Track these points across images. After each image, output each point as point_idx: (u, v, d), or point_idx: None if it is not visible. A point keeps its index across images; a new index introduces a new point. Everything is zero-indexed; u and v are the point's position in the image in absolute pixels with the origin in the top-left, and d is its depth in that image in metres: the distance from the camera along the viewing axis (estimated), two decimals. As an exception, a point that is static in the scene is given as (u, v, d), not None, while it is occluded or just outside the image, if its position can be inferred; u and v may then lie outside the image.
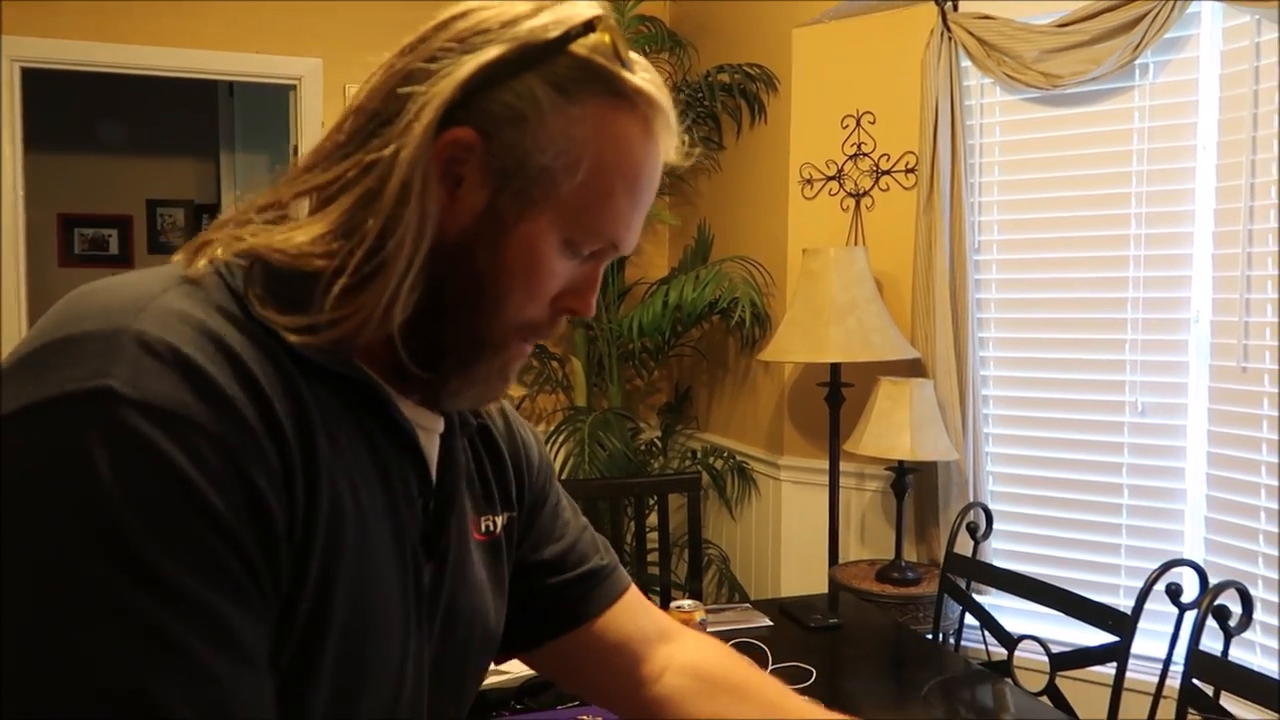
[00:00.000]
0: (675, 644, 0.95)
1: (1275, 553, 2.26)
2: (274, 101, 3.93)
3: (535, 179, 0.66)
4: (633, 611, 0.94)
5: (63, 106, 5.13)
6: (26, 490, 0.51)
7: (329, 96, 3.55)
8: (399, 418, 0.70)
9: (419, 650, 0.71)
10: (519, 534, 0.88)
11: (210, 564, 0.53)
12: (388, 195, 0.63)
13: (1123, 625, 1.81)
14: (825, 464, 2.87)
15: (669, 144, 0.71)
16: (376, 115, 0.66)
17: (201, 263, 0.63)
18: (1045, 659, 1.99)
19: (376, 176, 0.64)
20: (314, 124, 3.54)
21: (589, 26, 0.66)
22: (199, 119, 5.27)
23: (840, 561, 2.89)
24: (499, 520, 0.83)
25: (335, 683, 0.62)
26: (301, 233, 0.64)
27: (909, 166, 2.91)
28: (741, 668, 0.97)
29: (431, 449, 0.74)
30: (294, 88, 3.57)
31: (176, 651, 0.50)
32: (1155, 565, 2.52)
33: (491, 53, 0.65)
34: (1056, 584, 2.06)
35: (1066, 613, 1.94)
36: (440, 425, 0.76)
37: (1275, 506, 2.27)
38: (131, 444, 0.52)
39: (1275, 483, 2.27)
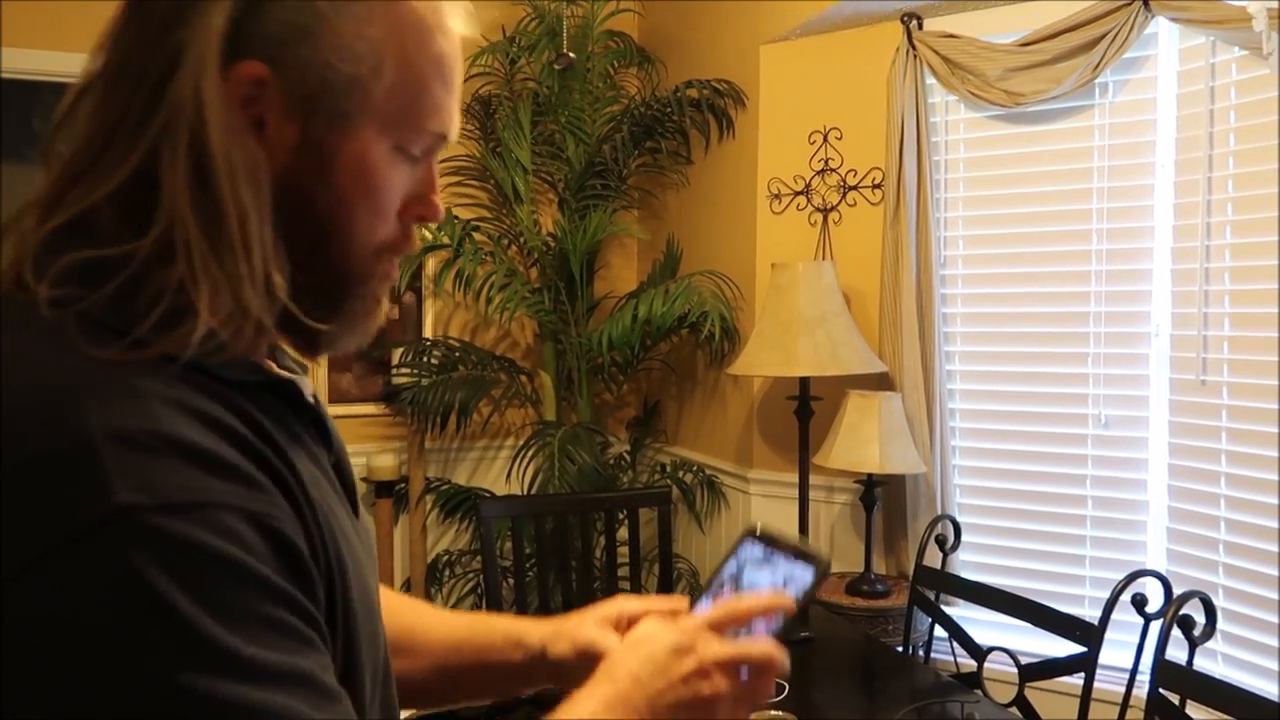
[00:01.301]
0: None
1: (1235, 562, 2.30)
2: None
3: (343, 93, 0.61)
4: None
5: (42, 118, 5.04)
6: (100, 643, 0.48)
7: (295, 109, 3.51)
8: (306, 399, 0.68)
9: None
10: None
11: (284, 633, 0.54)
12: (214, 178, 0.57)
13: (1090, 636, 1.83)
14: (795, 477, 2.88)
15: (459, 16, 0.67)
16: (142, 78, 0.58)
17: (44, 300, 0.56)
18: (1014, 670, 2.01)
19: (187, 161, 0.57)
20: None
21: None
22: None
23: (810, 574, 2.89)
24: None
25: (371, 668, 0.65)
26: (131, 243, 0.57)
27: (875, 182, 2.94)
28: (401, 619, 0.92)
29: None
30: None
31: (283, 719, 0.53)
32: (1119, 575, 2.55)
33: None
34: (1023, 595, 2.09)
35: (1035, 624, 1.96)
36: (309, 384, 0.73)
37: (1234, 517, 2.31)
38: (177, 550, 0.50)
39: (1234, 493, 2.32)
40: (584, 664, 0.82)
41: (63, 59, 3.28)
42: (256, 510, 0.54)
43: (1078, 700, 1.85)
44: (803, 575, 0.78)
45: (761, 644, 0.74)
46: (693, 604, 0.83)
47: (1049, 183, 2.70)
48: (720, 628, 0.76)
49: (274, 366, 0.68)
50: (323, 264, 0.64)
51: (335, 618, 0.61)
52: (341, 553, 0.63)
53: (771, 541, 0.81)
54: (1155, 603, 1.94)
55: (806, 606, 0.78)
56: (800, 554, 0.80)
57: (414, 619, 0.92)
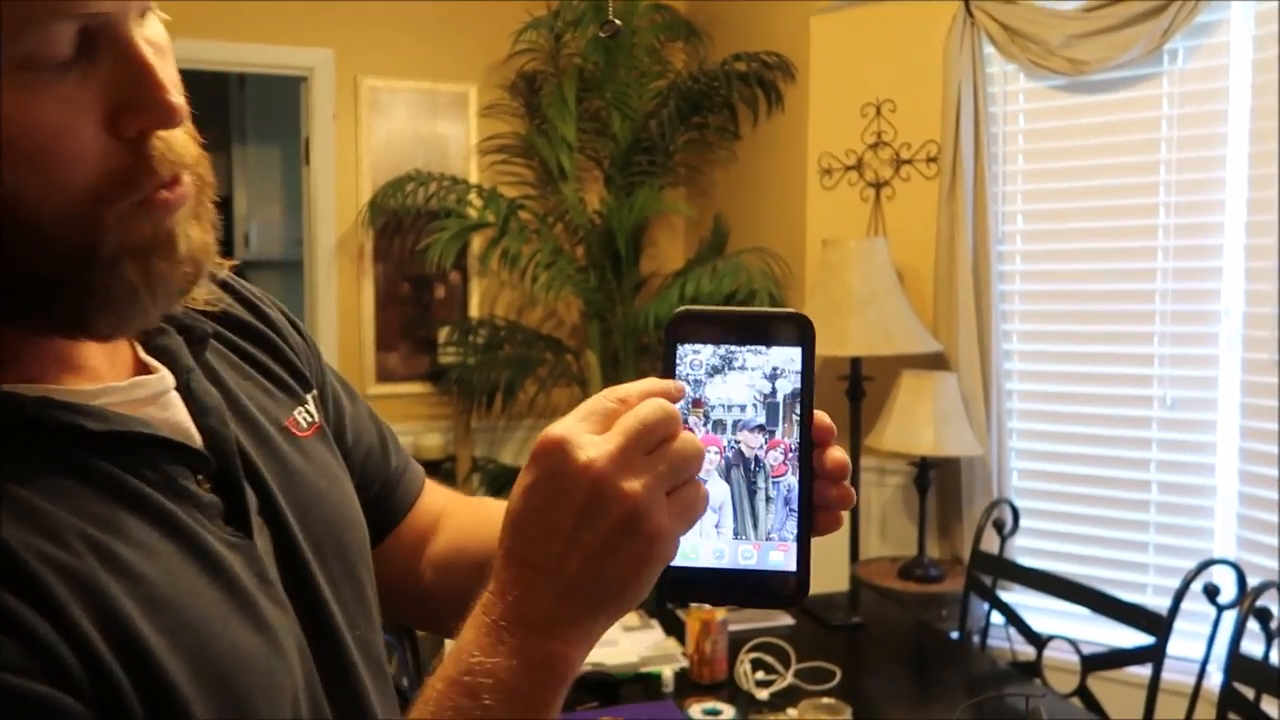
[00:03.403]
0: (437, 533, 0.82)
1: (1310, 550, 2.21)
2: (285, 93, 3.88)
3: None
4: (425, 509, 0.81)
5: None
6: None
7: (341, 88, 3.51)
8: (92, 414, 0.51)
9: (296, 630, 0.57)
10: None
11: None
12: None
13: (1158, 627, 1.76)
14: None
15: None
16: None
17: None
18: (1075, 658, 1.94)
19: None
20: (325, 116, 3.50)
21: None
22: (210, 112, 5.22)
23: (861, 558, 2.84)
24: (310, 402, 0.67)
25: None
26: None
27: (930, 156, 2.86)
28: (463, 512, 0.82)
29: (169, 408, 0.56)
30: (305, 79, 3.52)
31: None
32: (1184, 563, 2.47)
33: None
34: (1083, 582, 2.02)
35: (1099, 613, 1.89)
36: (166, 376, 0.58)
37: (1310, 503, 2.22)
38: None
39: (1310, 479, 2.22)
40: None
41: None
42: None
43: (1142, 690, 1.78)
44: (785, 356, 0.54)
45: (647, 405, 0.50)
46: None
47: (1114, 155, 2.60)
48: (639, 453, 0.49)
49: (52, 388, 0.52)
50: (36, 251, 0.47)
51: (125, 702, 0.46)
52: (147, 646, 0.48)
53: (712, 324, 0.55)
54: (1228, 593, 1.86)
55: (810, 399, 0.54)
56: (763, 327, 0.54)
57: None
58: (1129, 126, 2.57)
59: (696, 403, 0.55)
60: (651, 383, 0.53)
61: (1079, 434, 2.68)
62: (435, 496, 0.83)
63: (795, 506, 0.54)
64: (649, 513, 0.48)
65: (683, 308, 0.55)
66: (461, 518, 0.81)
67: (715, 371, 0.55)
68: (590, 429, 0.50)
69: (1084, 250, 2.66)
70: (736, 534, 0.54)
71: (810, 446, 0.54)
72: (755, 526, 0.54)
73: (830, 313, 2.66)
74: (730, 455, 0.54)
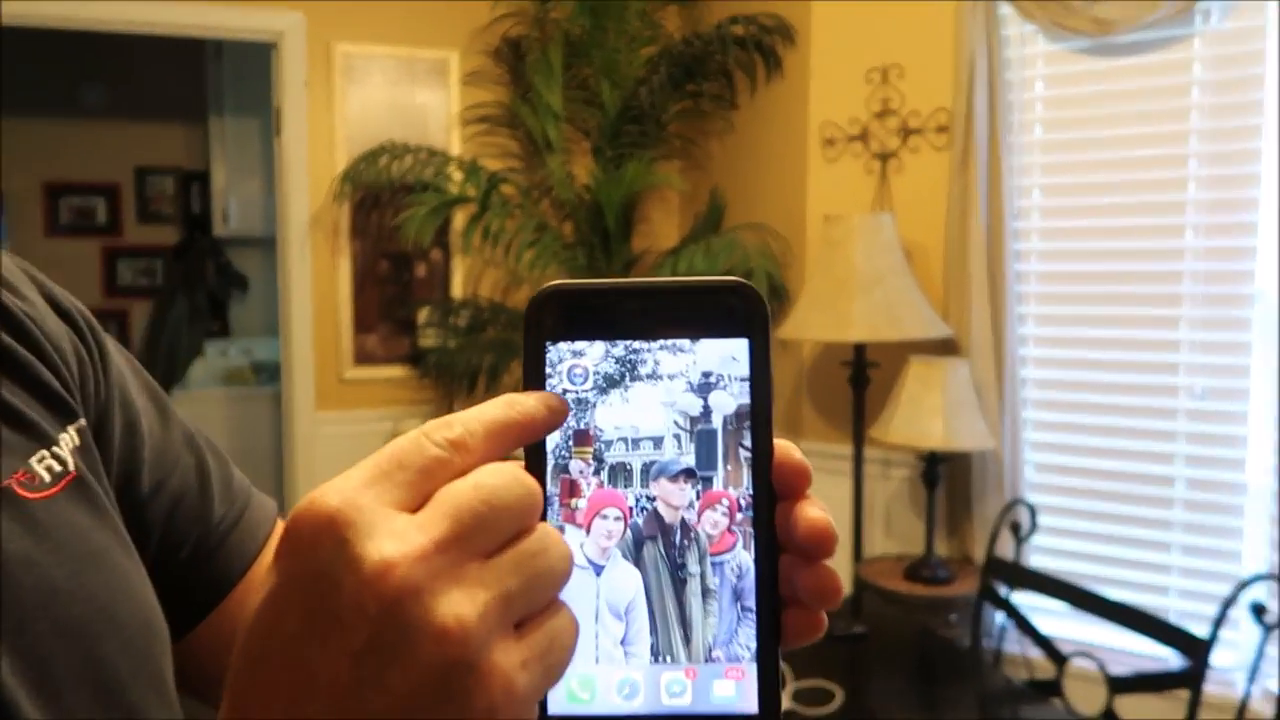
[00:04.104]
0: None
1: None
2: (263, 62, 3.70)
3: None
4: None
5: (44, 69, 4.89)
6: None
7: (313, 54, 3.31)
8: None
9: None
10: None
11: None
12: None
13: (1196, 649, 1.59)
14: (848, 449, 2.65)
15: None
16: None
17: None
18: (1097, 667, 1.78)
19: None
20: (296, 84, 3.30)
21: None
22: (184, 82, 5.03)
23: (865, 556, 2.67)
24: (67, 443, 0.48)
25: None
26: None
27: (941, 125, 2.70)
28: None
29: None
30: (274, 45, 3.32)
31: None
32: (1210, 564, 2.31)
33: None
34: (1099, 584, 1.86)
35: (1131, 628, 1.72)
36: None
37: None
38: None
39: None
40: None
41: (67, 6, 3.10)
42: None
43: (1171, 705, 1.62)
44: (723, 353, 0.35)
45: (492, 473, 0.30)
46: None
47: (1140, 124, 2.44)
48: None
49: None
50: None
51: None
52: None
53: (602, 307, 0.35)
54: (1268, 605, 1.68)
55: (768, 420, 0.35)
56: (686, 307, 0.35)
57: None
58: (1157, 93, 2.41)
59: (581, 436, 0.34)
60: (510, 406, 0.32)
61: (1099, 425, 2.52)
62: None
63: (750, 602, 0.34)
64: (486, 660, 0.28)
65: (551, 284, 0.35)
66: None
67: (610, 384, 0.34)
68: (391, 499, 0.29)
69: (1106, 227, 2.50)
70: (656, 655, 0.34)
71: (771, 499, 0.34)
72: (687, 640, 0.34)
73: (833, 294, 2.49)
74: (642, 522, 0.34)
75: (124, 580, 0.47)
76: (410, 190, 3.24)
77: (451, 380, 3.29)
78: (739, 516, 0.34)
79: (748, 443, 0.34)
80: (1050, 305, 2.61)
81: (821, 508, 0.34)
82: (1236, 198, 2.32)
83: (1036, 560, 2.52)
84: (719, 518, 0.34)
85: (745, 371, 0.34)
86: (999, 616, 2.15)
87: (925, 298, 2.54)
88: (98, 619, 0.44)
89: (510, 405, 0.32)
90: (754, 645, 0.34)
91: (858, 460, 2.62)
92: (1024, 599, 2.20)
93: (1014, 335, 2.56)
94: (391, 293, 3.48)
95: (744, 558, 0.34)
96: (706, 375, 0.34)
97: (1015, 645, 2.28)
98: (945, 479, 2.62)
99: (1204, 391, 2.37)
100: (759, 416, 0.34)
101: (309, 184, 3.35)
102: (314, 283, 3.38)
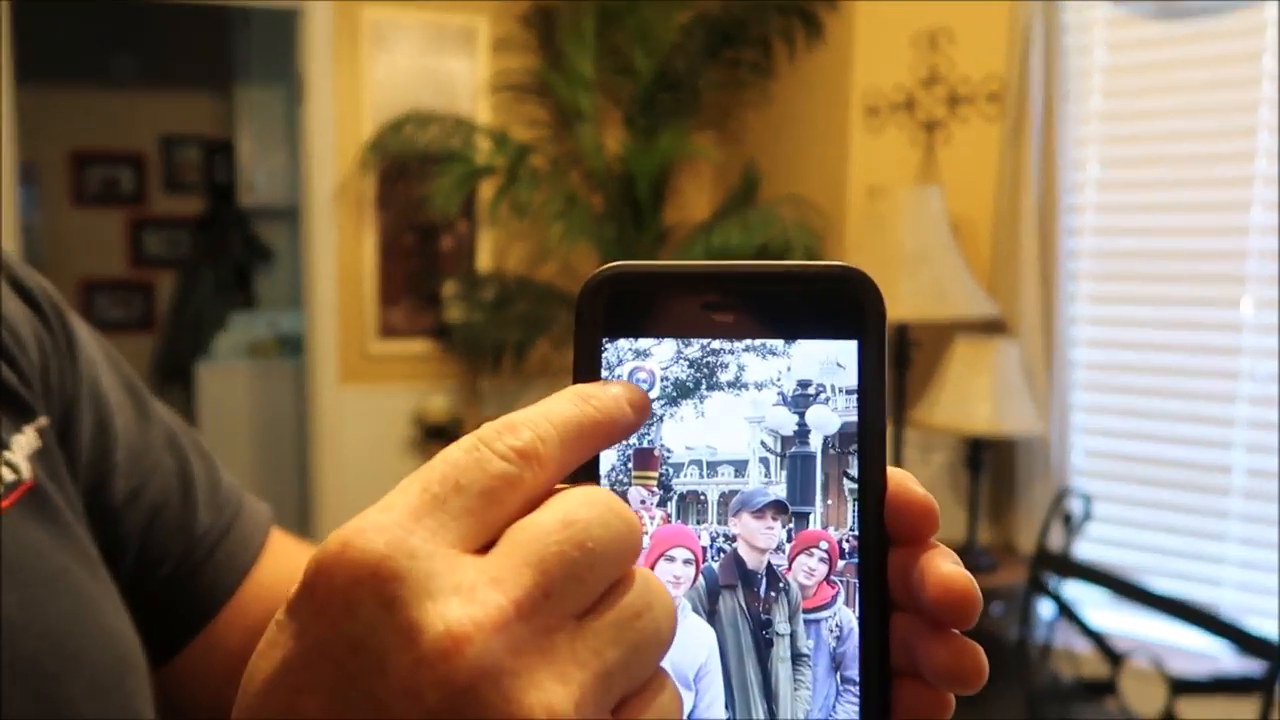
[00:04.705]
0: None
1: None
2: (291, 30, 3.63)
3: None
4: (272, 578, 0.52)
5: (72, 38, 4.85)
6: None
7: (339, 20, 3.23)
8: None
9: None
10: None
11: None
12: None
13: (1269, 653, 1.49)
14: (889, 432, 2.56)
15: None
16: None
17: None
18: (1153, 666, 1.68)
19: None
20: (324, 52, 3.22)
21: None
22: (213, 50, 4.98)
23: (902, 543, 2.59)
24: (22, 447, 0.41)
25: None
26: None
27: (992, 93, 2.61)
28: None
29: None
30: (299, 11, 3.25)
31: None
32: (1269, 556, 2.20)
33: None
34: (1148, 575, 1.76)
35: (1199, 628, 1.63)
36: None
37: None
38: None
39: None
40: None
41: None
42: None
43: (1230, 709, 1.53)
44: (826, 357, 0.28)
45: (584, 501, 0.23)
46: None
47: (1206, 93, 2.35)
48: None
49: None
50: None
51: None
52: None
53: (675, 295, 0.29)
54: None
55: (881, 443, 0.28)
56: (785, 298, 0.29)
57: None
58: (1226, 60, 2.31)
59: (644, 458, 0.27)
60: (584, 401, 0.25)
61: (1153, 410, 2.44)
62: (293, 555, 0.54)
63: (853, 671, 0.27)
64: None
65: (611, 265, 0.28)
66: None
67: (682, 393, 0.28)
68: (451, 536, 0.21)
69: (1167, 203, 2.41)
70: None
71: (883, 544, 0.27)
72: (772, 716, 0.27)
73: (876, 271, 2.34)
74: (718, 567, 0.27)
75: (88, 607, 0.40)
76: (437, 161, 3.17)
77: (477, 355, 3.24)
78: (841, 564, 0.28)
79: (854, 471, 0.28)
80: (1104, 284, 2.52)
81: (956, 560, 0.26)
82: (1308, 172, 2.21)
83: (1083, 550, 2.43)
84: (815, 565, 0.28)
85: (853, 382, 0.28)
86: (1045, 609, 2.06)
87: (973, 275, 2.45)
88: (55, 655, 0.37)
89: (584, 400, 0.25)
90: None
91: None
92: (1073, 591, 2.11)
93: (1064, 315, 2.47)
94: (417, 265, 3.42)
95: (846, 616, 0.27)
96: (804, 385, 0.28)
97: (1060, 639, 2.19)
98: (988, 464, 2.53)
99: (1265, 376, 2.25)
100: (869, 439, 0.28)
101: (334, 154, 3.28)
102: (338, 254, 3.32)
